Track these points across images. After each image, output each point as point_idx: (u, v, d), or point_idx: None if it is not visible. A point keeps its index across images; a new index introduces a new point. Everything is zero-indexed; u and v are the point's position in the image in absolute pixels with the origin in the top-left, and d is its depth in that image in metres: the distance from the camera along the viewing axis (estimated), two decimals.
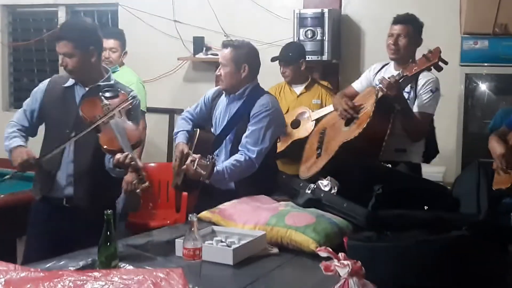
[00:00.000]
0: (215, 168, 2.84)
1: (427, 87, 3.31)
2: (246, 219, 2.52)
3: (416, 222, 2.25)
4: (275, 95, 4.20)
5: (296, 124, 4.12)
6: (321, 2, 4.93)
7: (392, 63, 3.51)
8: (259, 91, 3.27)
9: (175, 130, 3.41)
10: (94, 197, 2.83)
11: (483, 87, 4.51)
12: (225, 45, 3.25)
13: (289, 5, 5.06)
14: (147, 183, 2.52)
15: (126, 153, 2.55)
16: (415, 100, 3.32)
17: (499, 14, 4.20)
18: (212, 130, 3.36)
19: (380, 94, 3.11)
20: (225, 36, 5.24)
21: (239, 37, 5.15)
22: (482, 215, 2.27)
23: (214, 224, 2.59)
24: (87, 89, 2.91)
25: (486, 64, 4.37)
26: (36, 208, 2.98)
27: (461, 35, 4.42)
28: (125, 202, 4.40)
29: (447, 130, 4.50)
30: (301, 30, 4.77)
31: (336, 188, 2.76)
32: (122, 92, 2.90)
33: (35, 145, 2.98)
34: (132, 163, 2.54)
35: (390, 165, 2.96)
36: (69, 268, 2.03)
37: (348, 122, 3.25)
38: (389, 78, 3.09)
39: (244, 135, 3.12)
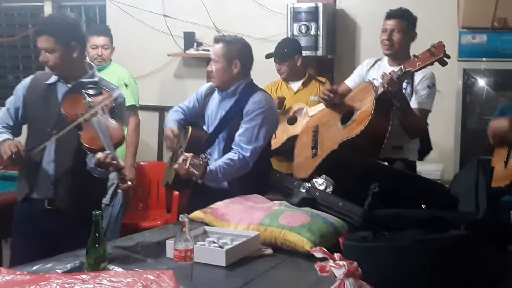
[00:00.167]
0: (208, 167, 2.83)
1: (424, 83, 3.32)
2: (239, 219, 2.52)
3: (413, 221, 2.25)
4: (271, 93, 4.24)
5: (292, 120, 4.12)
6: None
7: (385, 59, 3.53)
8: (253, 88, 3.27)
9: (166, 121, 3.42)
10: (76, 199, 2.81)
11: (481, 82, 4.53)
12: (216, 40, 3.24)
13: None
14: (129, 183, 2.52)
15: (107, 152, 2.53)
16: (411, 96, 3.33)
17: (498, 8, 4.21)
18: (205, 127, 3.36)
19: (380, 90, 3.10)
20: (216, 31, 5.23)
21: (231, 32, 5.13)
22: (481, 214, 2.27)
23: (206, 224, 2.58)
24: (69, 86, 2.88)
25: (484, 59, 4.39)
26: (19, 209, 2.96)
27: (459, 29, 4.43)
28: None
29: (445, 126, 4.52)
30: (295, 25, 4.77)
31: (331, 187, 2.76)
32: (106, 89, 2.87)
33: None
34: (114, 162, 2.53)
35: (386, 163, 2.96)
36: (57, 270, 2.02)
37: (344, 120, 3.25)
38: (390, 73, 3.09)
39: (238, 133, 3.12)
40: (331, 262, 1.87)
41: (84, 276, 1.75)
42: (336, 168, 2.88)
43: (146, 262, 2.17)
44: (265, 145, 3.19)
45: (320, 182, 2.80)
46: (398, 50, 3.40)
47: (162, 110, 5.59)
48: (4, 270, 1.78)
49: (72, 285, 1.64)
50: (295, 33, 4.75)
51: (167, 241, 2.27)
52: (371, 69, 3.55)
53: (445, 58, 3.03)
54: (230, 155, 3.08)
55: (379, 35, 3.50)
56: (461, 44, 4.38)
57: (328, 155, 3.10)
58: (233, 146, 3.11)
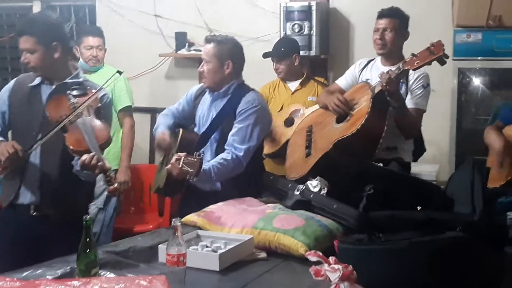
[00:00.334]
0: (202, 166, 2.83)
1: (419, 82, 3.34)
2: (233, 222, 2.52)
3: (409, 223, 2.26)
4: (269, 92, 4.26)
5: (289, 122, 4.13)
6: None
7: (378, 59, 3.55)
8: (244, 88, 3.28)
9: (156, 124, 3.40)
10: (63, 203, 2.78)
11: (476, 81, 4.54)
12: (208, 40, 3.25)
13: None
14: (115, 185, 2.50)
15: (93, 153, 2.52)
16: (406, 96, 3.34)
17: (493, 6, 4.22)
18: (195, 129, 3.35)
19: (377, 89, 3.11)
20: (208, 31, 5.24)
21: (223, 32, 5.13)
22: (477, 215, 2.28)
23: (199, 228, 2.58)
24: (53, 87, 2.86)
25: (479, 58, 4.40)
26: (4, 216, 2.92)
27: (453, 28, 4.44)
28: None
29: (440, 127, 4.53)
30: (288, 24, 4.77)
31: (325, 188, 2.76)
32: (92, 90, 2.85)
33: None
34: (99, 163, 2.52)
35: (381, 164, 2.97)
36: (47, 277, 2.01)
37: (340, 119, 3.25)
38: (388, 72, 3.10)
39: (231, 133, 3.13)
40: (326, 266, 1.87)
41: (75, 282, 1.76)
42: (330, 169, 2.88)
43: (138, 267, 2.17)
44: (258, 145, 3.20)
45: (314, 184, 2.80)
46: (391, 49, 3.42)
47: (153, 112, 5.58)
48: None
49: None
50: (288, 32, 4.76)
51: (159, 245, 2.27)
52: (364, 70, 3.56)
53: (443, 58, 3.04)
54: (224, 155, 3.08)
55: (372, 34, 3.51)
56: (455, 43, 4.39)
57: (322, 156, 3.10)
58: (226, 147, 3.12)
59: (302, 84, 4.32)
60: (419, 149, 3.62)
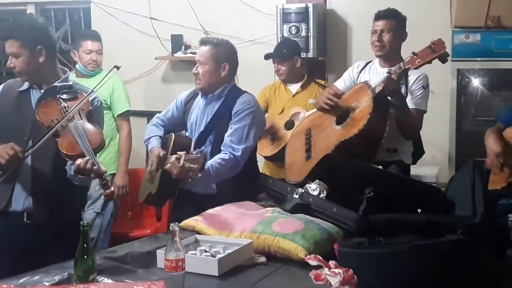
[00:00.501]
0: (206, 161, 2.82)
1: (419, 83, 3.36)
2: (231, 227, 2.52)
3: (409, 226, 2.27)
4: (270, 95, 4.28)
5: (290, 125, 4.13)
6: None
7: (376, 61, 3.56)
8: (238, 90, 3.32)
9: (146, 136, 3.40)
10: (57, 210, 2.75)
11: (475, 82, 4.56)
12: (203, 42, 3.28)
13: (272, 0, 5.06)
14: (111, 189, 2.50)
15: (87, 157, 2.52)
16: (405, 96, 3.35)
17: (491, 6, 4.24)
18: (187, 134, 3.36)
19: (378, 89, 3.12)
20: (205, 33, 5.24)
21: (219, 35, 5.13)
22: (478, 218, 2.28)
23: (198, 232, 2.58)
24: (42, 91, 2.84)
25: (478, 58, 4.41)
26: None
27: (452, 28, 4.45)
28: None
29: (439, 128, 4.53)
30: (285, 26, 4.78)
31: (325, 192, 2.76)
32: (82, 93, 2.83)
33: None
34: (94, 168, 2.51)
35: (381, 167, 2.98)
36: (44, 283, 2.01)
37: (340, 121, 3.26)
38: (389, 72, 3.11)
39: (227, 134, 3.15)
40: (326, 270, 1.88)
41: None
42: (329, 172, 2.88)
43: (136, 273, 2.17)
44: (254, 145, 3.23)
45: (313, 187, 2.80)
46: (389, 51, 3.44)
47: (150, 115, 5.51)
48: None
49: None
50: (285, 34, 4.76)
51: (157, 251, 2.27)
52: (362, 72, 3.57)
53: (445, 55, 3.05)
54: (221, 155, 3.10)
55: (370, 35, 3.52)
56: (454, 44, 4.40)
57: (322, 159, 3.10)
58: (222, 147, 3.13)
59: (303, 87, 4.33)
60: (418, 151, 3.63)
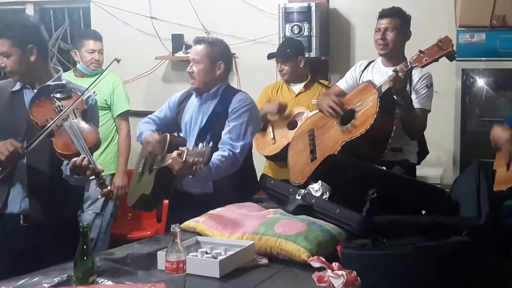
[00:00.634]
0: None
1: (423, 82, 3.36)
2: (233, 228, 2.52)
3: (413, 228, 2.26)
4: (272, 94, 4.29)
5: (293, 125, 4.14)
6: None
7: (379, 60, 3.56)
8: (232, 89, 3.37)
9: (138, 132, 3.41)
10: (53, 211, 2.74)
11: (480, 82, 4.55)
12: (198, 41, 3.31)
13: None
14: (109, 188, 2.50)
15: (83, 155, 2.51)
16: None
17: (497, 5, 4.23)
18: (182, 135, 3.37)
19: (385, 88, 3.12)
20: (206, 33, 5.24)
21: (221, 34, 5.14)
22: (483, 219, 2.28)
23: (199, 234, 2.58)
24: (35, 91, 2.83)
25: (483, 58, 4.41)
26: None
27: (456, 28, 4.45)
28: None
29: (444, 129, 4.53)
30: (287, 25, 4.78)
31: (328, 193, 2.76)
32: (76, 92, 2.82)
33: None
34: (91, 166, 2.51)
35: (384, 167, 2.97)
36: (43, 285, 2.01)
37: (344, 121, 3.26)
38: (395, 70, 3.11)
39: (224, 131, 3.18)
40: (329, 272, 1.88)
41: None
42: (332, 173, 2.88)
43: (137, 274, 2.17)
44: (251, 143, 3.27)
45: (316, 188, 2.80)
46: (393, 50, 3.43)
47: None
48: None
49: None
50: (287, 34, 4.76)
51: (158, 252, 2.27)
52: (365, 71, 3.57)
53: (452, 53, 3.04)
54: (220, 152, 3.12)
55: (374, 33, 3.52)
56: (459, 43, 4.39)
57: (324, 159, 3.10)
58: (220, 145, 3.15)
59: (306, 87, 4.33)
60: (422, 151, 3.63)
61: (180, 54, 5.35)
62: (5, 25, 2.83)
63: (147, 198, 3.27)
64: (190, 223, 2.69)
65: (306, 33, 4.74)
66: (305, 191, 2.77)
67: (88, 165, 2.50)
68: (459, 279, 1.93)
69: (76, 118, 2.69)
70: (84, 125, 2.68)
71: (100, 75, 2.90)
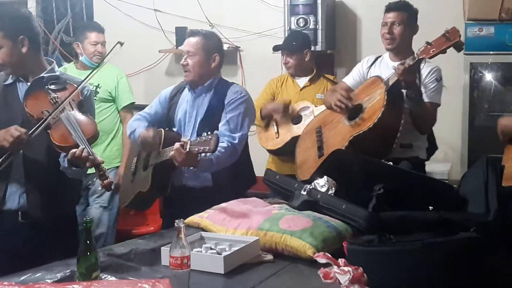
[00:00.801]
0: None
1: (432, 76, 3.35)
2: (237, 224, 2.52)
3: (420, 224, 2.26)
4: (276, 87, 4.31)
5: (297, 119, 4.13)
6: None
7: (386, 55, 3.55)
8: (225, 82, 3.40)
9: (130, 130, 3.41)
10: (50, 204, 2.73)
11: (489, 77, 4.54)
12: (192, 33, 3.33)
13: None
14: (109, 179, 2.49)
15: (82, 147, 2.51)
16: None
17: None
18: (176, 129, 3.38)
19: (392, 81, 3.11)
20: (210, 26, 5.25)
21: (225, 27, 5.16)
22: (491, 215, 2.27)
23: (203, 229, 2.58)
24: (29, 84, 2.81)
25: (492, 52, 4.40)
26: None
27: (464, 21, 4.44)
28: None
29: (452, 124, 4.53)
30: (293, 18, 4.78)
31: (333, 188, 2.76)
32: (71, 83, 2.81)
33: None
34: (90, 157, 2.51)
35: (391, 163, 2.97)
36: (46, 280, 2.01)
37: (352, 116, 3.25)
38: (402, 62, 3.11)
39: (221, 123, 3.21)
40: (335, 268, 1.88)
41: (75, 286, 1.76)
42: (338, 168, 2.88)
43: (140, 270, 2.17)
44: (247, 134, 3.32)
45: (321, 184, 2.80)
46: (400, 44, 3.42)
47: None
48: None
49: None
50: (293, 27, 4.76)
51: (162, 248, 2.27)
52: (372, 67, 3.56)
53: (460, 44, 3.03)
54: (220, 144, 3.11)
55: (380, 28, 3.51)
56: (467, 37, 4.38)
57: (330, 154, 3.10)
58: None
59: (311, 81, 4.32)
60: (432, 147, 3.62)
61: None
62: None
63: (144, 196, 3.29)
64: (194, 218, 2.70)
65: (311, 26, 4.74)
66: (311, 187, 2.77)
67: (88, 157, 2.50)
68: (467, 276, 1.93)
69: (73, 109, 2.68)
70: (81, 116, 2.68)
71: (108, 52, 2.87)
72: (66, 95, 2.70)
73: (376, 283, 1.91)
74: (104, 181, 2.48)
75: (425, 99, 3.31)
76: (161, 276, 2.00)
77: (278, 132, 4.19)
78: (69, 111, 2.66)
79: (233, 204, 2.77)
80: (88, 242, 1.95)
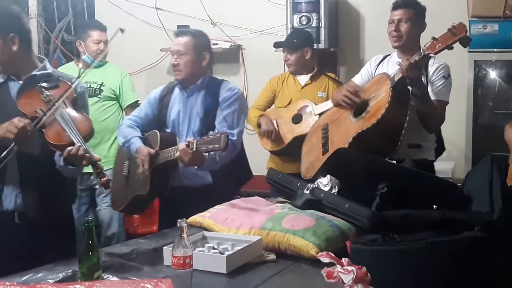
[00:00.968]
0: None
1: (439, 73, 3.33)
2: (240, 223, 2.52)
3: (424, 223, 2.26)
4: (277, 85, 4.32)
5: (297, 119, 4.13)
6: None
7: (394, 53, 3.53)
8: (216, 79, 3.43)
9: (123, 139, 3.39)
10: (46, 204, 2.71)
11: (493, 74, 4.54)
12: (181, 33, 3.35)
13: None
14: (107, 177, 2.49)
15: (78, 145, 2.51)
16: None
17: None
18: (169, 130, 3.38)
19: (397, 77, 3.10)
20: (212, 24, 5.25)
21: (227, 25, 5.16)
22: (495, 214, 2.27)
23: (205, 229, 2.59)
24: (21, 82, 2.78)
25: (496, 49, 4.40)
26: None
27: (469, 18, 4.43)
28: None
29: (456, 122, 4.51)
30: (295, 16, 4.78)
31: (336, 187, 2.76)
32: (64, 80, 2.78)
33: None
34: (87, 155, 2.50)
35: (395, 161, 2.97)
36: (48, 280, 2.02)
37: (357, 113, 3.25)
38: (408, 58, 3.10)
39: (218, 120, 3.23)
40: (338, 268, 1.88)
41: (77, 286, 1.76)
42: (341, 167, 2.88)
43: (143, 270, 2.18)
44: (243, 131, 3.35)
45: (324, 183, 2.80)
46: (407, 42, 3.40)
47: None
48: None
49: None
50: (296, 25, 4.76)
51: (164, 247, 2.27)
52: (380, 65, 3.54)
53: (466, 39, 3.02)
54: None
55: (384, 26, 3.50)
56: (471, 34, 4.36)
57: (333, 153, 3.10)
58: None
59: (312, 79, 4.32)
60: (440, 148, 3.60)
61: None
62: None
63: (143, 199, 3.29)
64: (196, 218, 2.70)
65: (314, 24, 4.73)
66: (314, 186, 2.77)
67: (84, 155, 2.49)
68: (471, 275, 1.94)
69: (67, 107, 2.66)
70: (75, 114, 2.65)
71: (111, 38, 2.87)
72: (59, 92, 2.67)
73: (379, 282, 1.91)
74: (102, 179, 2.47)
75: (432, 96, 3.28)
76: (163, 276, 2.00)
77: (279, 133, 4.19)
78: (63, 108, 2.64)
79: (236, 204, 2.77)
80: (90, 242, 1.95)
